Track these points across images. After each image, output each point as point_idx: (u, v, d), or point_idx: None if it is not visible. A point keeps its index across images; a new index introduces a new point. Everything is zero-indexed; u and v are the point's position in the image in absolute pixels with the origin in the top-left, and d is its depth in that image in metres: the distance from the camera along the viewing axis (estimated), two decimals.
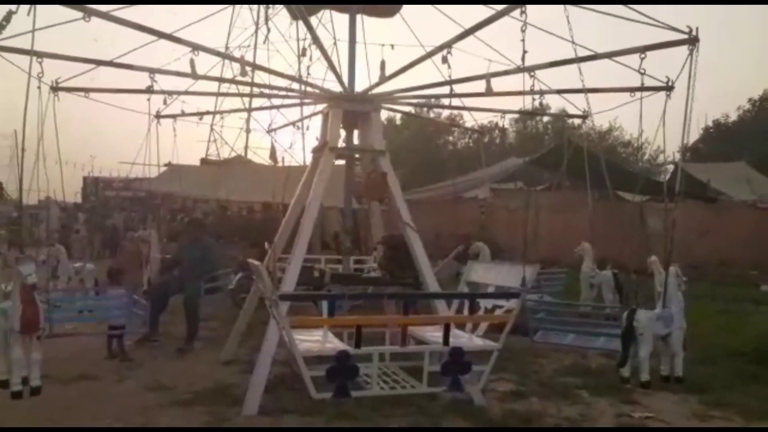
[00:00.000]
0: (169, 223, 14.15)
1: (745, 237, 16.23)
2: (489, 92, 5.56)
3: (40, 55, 4.64)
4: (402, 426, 4.65)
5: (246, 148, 20.28)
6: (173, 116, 6.93)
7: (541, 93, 6.04)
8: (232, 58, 5.60)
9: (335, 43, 11.27)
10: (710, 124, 35.25)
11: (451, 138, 37.45)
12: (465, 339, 4.11)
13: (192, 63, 5.33)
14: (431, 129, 33.89)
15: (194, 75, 5.46)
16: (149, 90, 5.63)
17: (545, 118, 36.24)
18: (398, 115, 35.13)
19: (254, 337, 6.78)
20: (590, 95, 6.40)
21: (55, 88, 5.42)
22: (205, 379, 5.86)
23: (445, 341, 3.73)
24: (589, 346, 5.42)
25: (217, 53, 5.56)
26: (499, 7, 4.80)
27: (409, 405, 5.01)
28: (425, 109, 24.55)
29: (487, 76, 5.49)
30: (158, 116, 6.84)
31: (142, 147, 6.80)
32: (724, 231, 15.93)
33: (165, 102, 6.24)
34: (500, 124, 8.79)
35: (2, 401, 4.43)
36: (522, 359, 6.62)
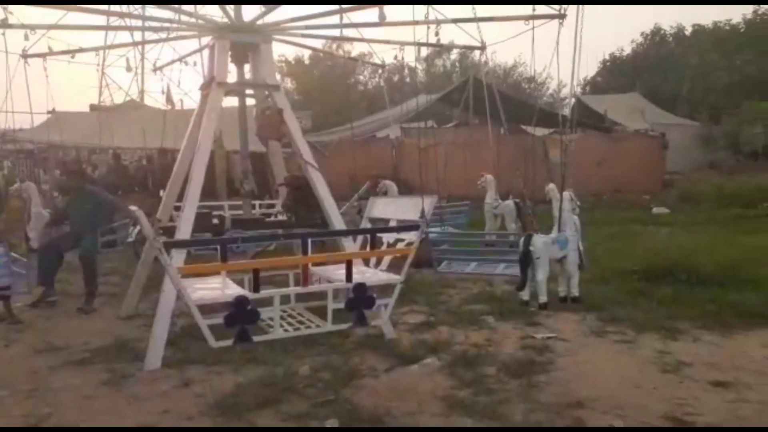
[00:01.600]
0: (59, 176, 13.09)
1: (639, 164, 17.31)
2: (382, 20, 5.35)
3: None
4: (313, 365, 4.62)
5: (142, 91, 18.89)
6: (41, 55, 6.22)
7: (437, 23, 5.91)
8: None
9: None
10: (607, 57, 36.85)
11: (362, 77, 36.89)
12: (369, 274, 4.08)
13: None
14: (338, 68, 33.11)
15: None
16: (4, 24, 4.96)
17: (452, 56, 36.41)
18: (307, 54, 34.13)
19: (157, 289, 6.46)
20: (491, 29, 6.37)
21: None
22: (103, 337, 5.54)
23: (348, 278, 3.67)
24: (489, 273, 5.61)
25: None
26: None
27: (321, 344, 5.00)
28: (334, 46, 23.79)
29: (380, 3, 5.27)
30: (25, 55, 6.12)
31: (8, 92, 6.15)
32: (620, 159, 16.87)
33: (26, 38, 5.53)
34: (398, 57, 8.55)
35: None
36: (431, 291, 6.75)
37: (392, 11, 5.76)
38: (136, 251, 8.68)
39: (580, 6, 5.29)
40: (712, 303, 5.96)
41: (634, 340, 5.18)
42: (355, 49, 24.98)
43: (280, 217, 6.96)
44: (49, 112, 13.67)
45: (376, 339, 5.21)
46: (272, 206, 7.58)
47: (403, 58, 6.97)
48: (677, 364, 4.56)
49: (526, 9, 5.84)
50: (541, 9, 5.77)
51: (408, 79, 36.23)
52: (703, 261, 6.98)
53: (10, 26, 5.09)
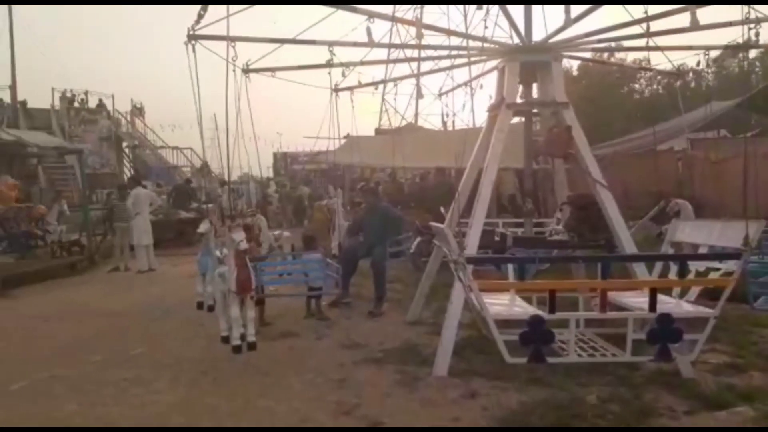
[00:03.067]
0: (350, 192, 14.94)
1: None
2: (695, 26, 4.85)
3: (234, 39, 5.06)
4: (600, 394, 4.37)
5: (416, 115, 20.58)
6: (350, 88, 7.14)
7: (757, 21, 5.14)
8: (407, 21, 5.57)
9: None
10: None
11: (637, 86, 34.13)
12: (672, 305, 3.72)
13: (369, 31, 5.41)
14: (617, 76, 31.09)
15: (371, 43, 5.55)
16: (329, 64, 5.83)
17: (752, 54, 31.29)
18: (574, 66, 32.90)
19: (437, 299, 6.90)
20: None
21: (246, 70, 5.87)
22: (393, 339, 6.08)
23: (652, 307, 3.39)
24: None
25: (392, 18, 5.58)
26: None
27: (608, 374, 4.70)
28: (605, 54, 22.46)
29: (692, 8, 4.78)
30: (336, 89, 7.10)
31: (324, 121, 7.18)
32: None
33: (343, 74, 6.43)
34: (701, 64, 7.62)
35: (224, 354, 5.05)
36: (738, 328, 5.85)
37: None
38: (414, 262, 9.41)
39: None
40: None
41: None
42: (630, 55, 23.18)
43: (557, 237, 6.80)
44: (344, 137, 15.78)
45: (669, 376, 4.69)
46: (542, 224, 7.45)
47: (703, 63, 6.24)
48: None
49: None
50: None
51: (692, 84, 32.37)
52: None
53: (333, 65, 5.96)
